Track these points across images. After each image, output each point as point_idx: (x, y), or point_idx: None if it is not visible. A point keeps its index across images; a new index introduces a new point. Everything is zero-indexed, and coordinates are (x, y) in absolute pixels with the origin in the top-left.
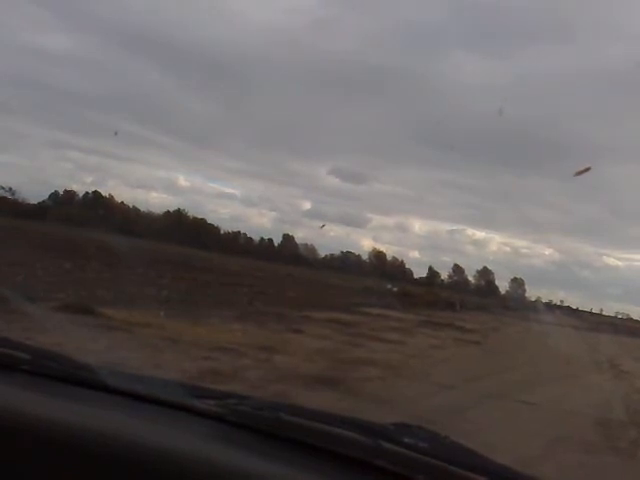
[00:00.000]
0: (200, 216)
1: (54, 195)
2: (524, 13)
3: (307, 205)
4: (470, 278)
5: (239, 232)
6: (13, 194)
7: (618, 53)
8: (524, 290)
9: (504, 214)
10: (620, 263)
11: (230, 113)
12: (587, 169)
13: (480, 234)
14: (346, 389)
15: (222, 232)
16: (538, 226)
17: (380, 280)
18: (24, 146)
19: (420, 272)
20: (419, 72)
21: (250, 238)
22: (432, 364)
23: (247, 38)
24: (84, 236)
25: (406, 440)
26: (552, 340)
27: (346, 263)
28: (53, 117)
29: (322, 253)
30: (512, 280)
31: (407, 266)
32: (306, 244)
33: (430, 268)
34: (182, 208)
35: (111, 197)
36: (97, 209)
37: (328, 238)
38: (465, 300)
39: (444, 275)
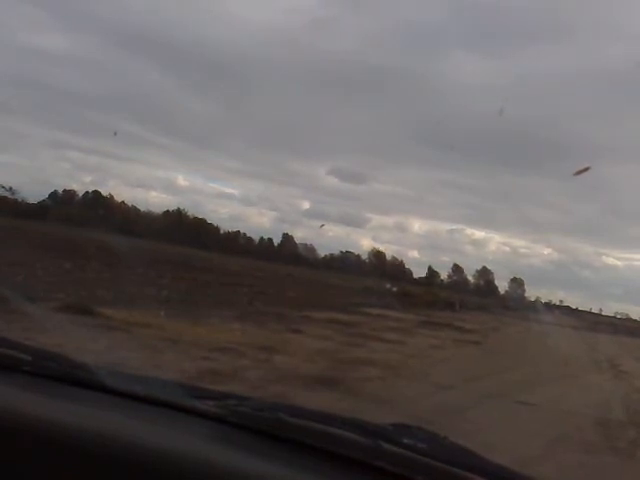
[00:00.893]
0: (200, 216)
1: (54, 195)
2: (524, 13)
3: (306, 205)
4: (470, 278)
5: (239, 232)
6: (13, 194)
7: (618, 53)
8: (524, 290)
9: (503, 214)
10: (619, 263)
11: (229, 113)
12: (586, 169)
13: (479, 234)
14: (346, 389)
15: (222, 232)
16: (537, 226)
17: (380, 280)
18: (24, 146)
19: (420, 272)
20: (419, 72)
21: (250, 238)
22: (432, 364)
23: (246, 38)
24: (84, 236)
25: (405, 441)
26: (551, 340)
27: (346, 263)
28: (53, 117)
29: (322, 253)
30: (512, 280)
31: (407, 266)
32: (306, 244)
33: (430, 268)
34: (182, 208)
35: (111, 197)
36: (97, 209)
37: (328, 238)
38: (465, 300)
39: (444, 275)
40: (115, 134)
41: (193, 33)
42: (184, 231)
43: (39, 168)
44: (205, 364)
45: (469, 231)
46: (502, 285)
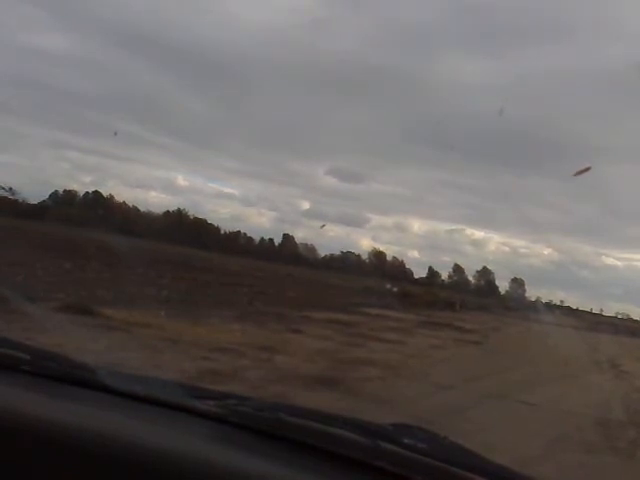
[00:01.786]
0: (200, 216)
1: (54, 195)
2: (524, 13)
3: (306, 205)
4: (470, 278)
5: (239, 232)
6: (13, 194)
7: (618, 53)
8: (524, 290)
9: (503, 214)
10: (619, 263)
11: (229, 113)
12: (587, 169)
13: (479, 234)
14: (346, 389)
15: (222, 232)
16: (537, 226)
17: (380, 280)
18: (23, 146)
19: (420, 272)
20: (418, 72)
21: (250, 238)
22: (432, 364)
23: (245, 38)
24: (84, 236)
25: (405, 441)
26: (552, 340)
27: (346, 263)
28: (52, 117)
29: (322, 253)
30: (512, 280)
31: (407, 266)
32: (306, 244)
33: (430, 268)
34: (182, 208)
35: (111, 197)
36: (97, 209)
37: (327, 238)
38: (465, 300)
39: (444, 275)
40: (115, 134)
41: (193, 33)
42: (184, 231)
43: (39, 168)
44: (205, 364)
45: (469, 231)
46: (502, 285)
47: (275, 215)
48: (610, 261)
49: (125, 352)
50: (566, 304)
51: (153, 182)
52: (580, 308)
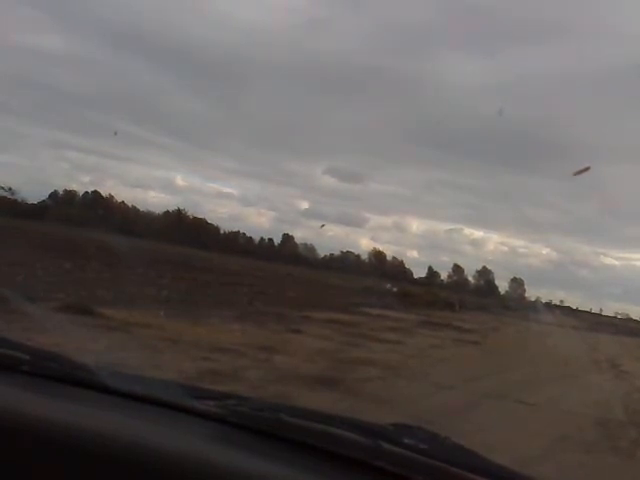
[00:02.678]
0: (199, 216)
1: (54, 195)
2: (523, 13)
3: (305, 205)
4: (469, 278)
5: (239, 232)
6: (13, 194)
7: (617, 53)
8: (523, 290)
9: (501, 214)
10: (617, 263)
11: (227, 113)
12: (586, 169)
13: (478, 234)
14: (346, 389)
15: (222, 232)
16: (536, 226)
17: (380, 280)
18: (23, 146)
19: (419, 272)
20: (417, 72)
21: (250, 238)
22: (431, 364)
23: (244, 38)
24: (84, 236)
25: (406, 441)
26: (551, 340)
27: (346, 263)
28: (52, 117)
29: (321, 253)
30: (512, 280)
31: (406, 266)
32: (305, 244)
33: (430, 268)
34: (181, 207)
35: (111, 197)
36: (97, 209)
37: (327, 238)
38: (464, 300)
39: (444, 275)
40: (115, 134)
41: (192, 33)
42: (184, 231)
43: (38, 168)
44: (205, 364)
45: (468, 231)
46: (502, 285)
47: (274, 215)
48: (609, 261)
49: (125, 352)
50: (565, 304)
51: (152, 182)
52: (579, 308)
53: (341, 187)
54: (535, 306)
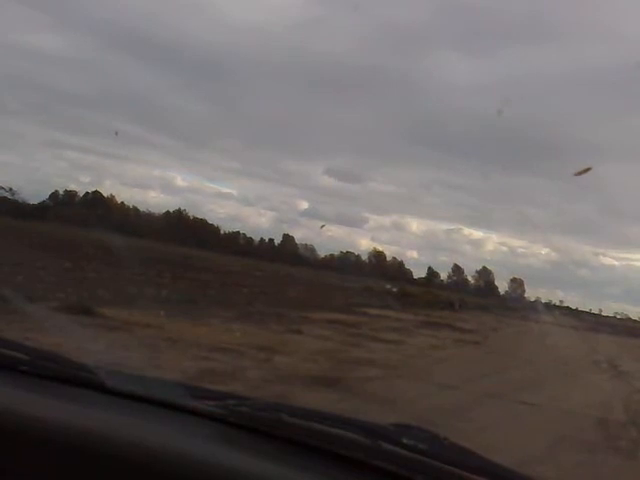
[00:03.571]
0: (198, 216)
1: (54, 195)
2: (522, 13)
3: (304, 205)
4: (469, 278)
5: (239, 232)
6: (13, 194)
7: (617, 53)
8: (523, 290)
9: (500, 214)
10: (617, 263)
11: (226, 113)
12: (587, 169)
13: (477, 234)
14: (346, 389)
15: (222, 232)
16: (535, 226)
17: (379, 280)
18: (21, 146)
19: (419, 272)
20: (415, 72)
21: (250, 238)
22: (431, 364)
23: (243, 39)
24: (84, 236)
25: (406, 441)
26: (551, 340)
27: (345, 263)
28: (50, 117)
29: (321, 253)
30: (511, 280)
31: (406, 266)
32: (306, 244)
33: (429, 268)
34: (181, 208)
35: (111, 197)
36: (97, 209)
37: (326, 238)
38: (464, 300)
39: (443, 275)
40: (116, 134)
41: (190, 34)
42: (184, 231)
43: (37, 168)
44: (205, 364)
45: (467, 231)
46: (502, 285)
47: (274, 215)
48: (608, 261)
49: (125, 352)
50: (565, 304)
51: (151, 182)
52: (579, 308)
53: (340, 187)
54: (535, 306)
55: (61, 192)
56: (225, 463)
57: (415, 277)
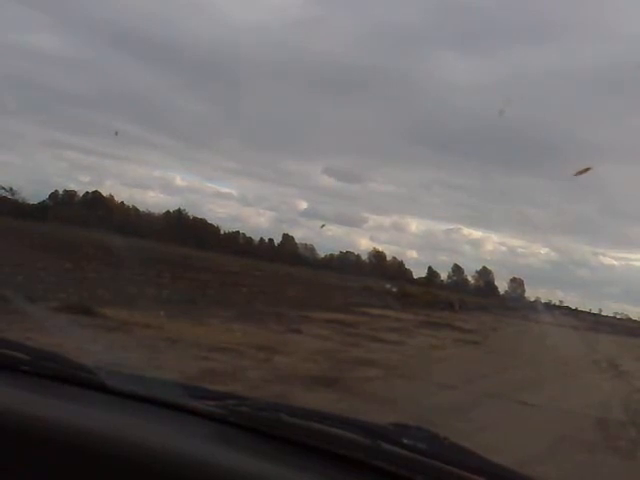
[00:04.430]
0: (198, 216)
1: (54, 195)
2: (522, 12)
3: (304, 205)
4: (469, 278)
5: (238, 232)
6: (13, 194)
7: (616, 54)
8: (523, 290)
9: (500, 214)
10: (616, 262)
11: (226, 113)
12: (587, 169)
13: (476, 234)
14: (346, 389)
15: (222, 232)
16: (534, 226)
17: (379, 280)
18: (21, 146)
19: (419, 272)
20: (415, 72)
21: (250, 238)
22: (431, 364)
23: (242, 39)
24: (84, 236)
25: (405, 441)
26: (551, 340)
27: (345, 263)
28: (50, 117)
29: (321, 253)
30: (511, 280)
31: (406, 266)
32: (305, 244)
33: (429, 268)
34: (181, 208)
35: (111, 197)
36: (97, 209)
37: (326, 238)
38: (464, 300)
39: (443, 275)
40: (116, 134)
41: (190, 34)
42: (184, 231)
43: (37, 168)
44: (205, 364)
45: (466, 231)
46: (501, 285)
47: (274, 215)
48: (608, 261)
49: (125, 352)
50: (565, 304)
51: (151, 182)
52: (579, 308)
53: (340, 187)
54: (534, 306)
55: (61, 192)
56: (225, 463)
57: (415, 277)
